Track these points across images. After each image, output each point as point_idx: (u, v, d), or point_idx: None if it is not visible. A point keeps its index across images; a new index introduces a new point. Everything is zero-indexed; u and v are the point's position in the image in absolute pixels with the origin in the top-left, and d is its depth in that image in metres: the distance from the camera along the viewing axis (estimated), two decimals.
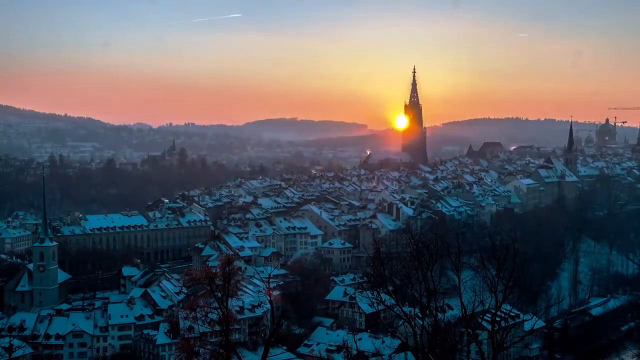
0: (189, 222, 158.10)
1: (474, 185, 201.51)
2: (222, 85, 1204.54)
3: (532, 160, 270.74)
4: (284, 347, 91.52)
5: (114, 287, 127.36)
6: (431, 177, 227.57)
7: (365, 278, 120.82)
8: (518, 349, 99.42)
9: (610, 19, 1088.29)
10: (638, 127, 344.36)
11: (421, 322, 40.37)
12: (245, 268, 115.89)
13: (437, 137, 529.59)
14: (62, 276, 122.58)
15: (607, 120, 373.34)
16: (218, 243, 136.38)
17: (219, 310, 46.41)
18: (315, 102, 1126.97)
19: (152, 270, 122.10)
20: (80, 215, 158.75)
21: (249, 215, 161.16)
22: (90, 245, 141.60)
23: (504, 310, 68.69)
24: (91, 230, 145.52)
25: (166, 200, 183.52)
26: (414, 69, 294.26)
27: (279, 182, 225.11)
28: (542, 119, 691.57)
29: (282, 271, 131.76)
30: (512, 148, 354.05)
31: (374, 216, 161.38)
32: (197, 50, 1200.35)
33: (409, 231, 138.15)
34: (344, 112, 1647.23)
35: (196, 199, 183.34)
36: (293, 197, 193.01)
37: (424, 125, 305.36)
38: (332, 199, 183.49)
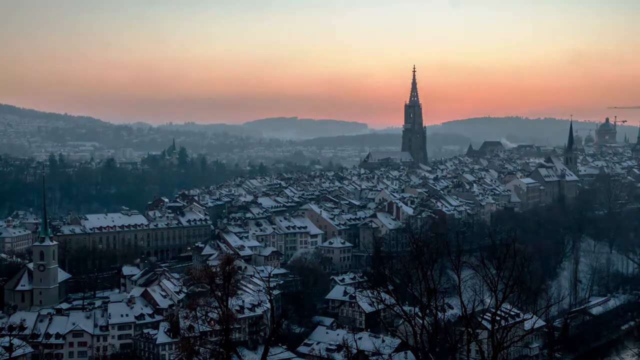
0: (189, 221, 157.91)
1: (474, 185, 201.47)
2: (223, 84, 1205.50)
3: (532, 160, 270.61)
4: (284, 347, 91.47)
5: (114, 286, 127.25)
6: (431, 176, 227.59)
7: (365, 277, 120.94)
8: (518, 349, 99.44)
9: (610, 18, 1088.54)
10: (638, 126, 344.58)
11: (421, 322, 40.39)
12: (245, 267, 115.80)
13: (437, 136, 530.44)
14: (62, 275, 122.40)
15: (607, 119, 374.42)
16: (218, 242, 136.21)
17: (219, 310, 46.45)
18: (315, 101, 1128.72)
19: (152, 269, 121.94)
20: (80, 215, 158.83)
21: (249, 215, 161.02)
22: (90, 245, 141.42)
23: (504, 310, 68.58)
24: (91, 229, 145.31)
25: (166, 200, 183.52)
26: (414, 68, 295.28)
27: (279, 182, 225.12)
28: (542, 118, 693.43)
29: (282, 270, 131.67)
30: (512, 147, 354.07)
31: (374, 215, 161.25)
32: (197, 49, 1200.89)
33: (409, 230, 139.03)
34: (344, 112, 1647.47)
35: (196, 198, 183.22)
36: (293, 197, 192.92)
37: (423, 125, 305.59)
38: (332, 198, 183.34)
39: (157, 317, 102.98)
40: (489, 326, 44.41)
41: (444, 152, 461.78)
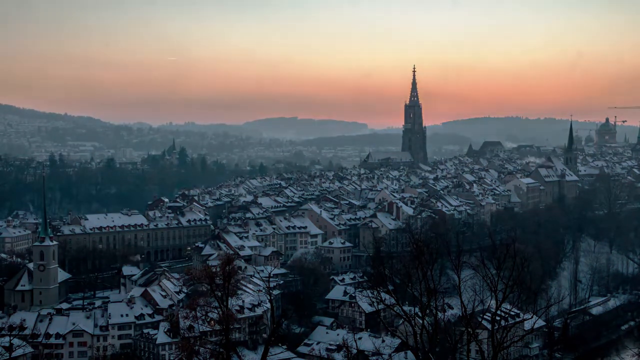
0: (189, 221, 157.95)
1: (474, 185, 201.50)
2: (223, 84, 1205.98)
3: (532, 160, 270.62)
4: (284, 347, 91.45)
5: (114, 286, 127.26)
6: (431, 176, 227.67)
7: (365, 277, 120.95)
8: (518, 349, 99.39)
9: (609, 18, 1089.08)
10: (638, 126, 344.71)
11: (421, 322, 40.38)
12: (245, 267, 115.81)
13: (437, 136, 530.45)
14: (62, 275, 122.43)
15: (607, 119, 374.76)
16: (218, 242, 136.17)
17: (219, 310, 46.50)
18: (315, 101, 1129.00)
19: (152, 269, 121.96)
20: (80, 215, 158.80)
21: (249, 215, 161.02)
22: (90, 245, 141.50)
23: (504, 310, 68.66)
24: (91, 229, 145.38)
25: (166, 200, 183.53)
26: (414, 68, 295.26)
27: (279, 182, 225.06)
28: (542, 118, 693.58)
29: (282, 270, 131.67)
30: (512, 147, 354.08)
31: (374, 215, 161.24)
32: (197, 50, 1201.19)
33: (409, 230, 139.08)
34: (344, 112, 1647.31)
35: (196, 198, 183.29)
36: (293, 197, 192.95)
37: (423, 125, 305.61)
38: (332, 198, 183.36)
39: (157, 317, 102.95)
40: (489, 326, 44.44)
41: (444, 152, 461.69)
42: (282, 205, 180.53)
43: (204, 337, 68.72)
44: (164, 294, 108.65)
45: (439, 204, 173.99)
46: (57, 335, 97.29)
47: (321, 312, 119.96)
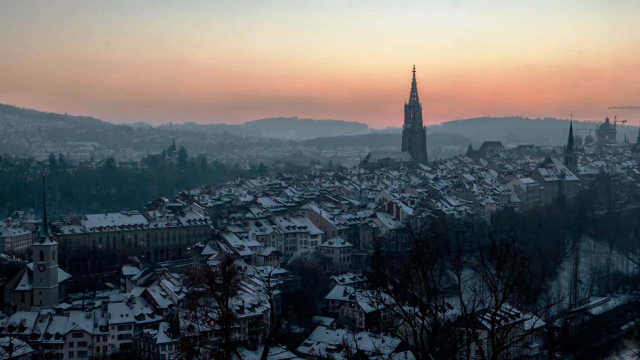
0: (189, 221, 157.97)
1: (474, 185, 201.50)
2: (223, 84, 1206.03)
3: (532, 160, 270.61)
4: (284, 347, 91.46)
5: (114, 286, 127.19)
6: (431, 176, 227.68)
7: (365, 277, 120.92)
8: (518, 349, 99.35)
9: (610, 18, 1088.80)
10: (638, 126, 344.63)
11: (421, 322, 40.35)
12: (245, 267, 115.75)
13: (437, 136, 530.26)
14: (62, 275, 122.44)
15: (607, 119, 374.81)
16: (218, 242, 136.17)
17: (219, 310, 46.45)
18: (315, 101, 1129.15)
19: (152, 269, 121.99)
20: (80, 215, 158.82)
21: (249, 215, 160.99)
22: (90, 245, 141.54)
23: (504, 310, 68.60)
24: (91, 229, 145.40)
25: (166, 200, 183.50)
26: (414, 68, 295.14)
27: (279, 182, 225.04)
28: (542, 118, 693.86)
29: (282, 270, 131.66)
30: (512, 147, 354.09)
31: (374, 215, 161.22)
32: (197, 50, 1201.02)
33: (409, 230, 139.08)
34: (344, 112, 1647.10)
35: (196, 198, 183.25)
36: (293, 197, 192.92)
37: (423, 125, 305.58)
38: (332, 198, 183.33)
39: (157, 317, 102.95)
40: (489, 326, 44.41)
41: (444, 152, 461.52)
42: (282, 205, 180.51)
43: (204, 337, 68.69)
44: (164, 294, 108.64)
45: (439, 204, 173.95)
46: (57, 335, 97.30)
47: (321, 312, 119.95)
